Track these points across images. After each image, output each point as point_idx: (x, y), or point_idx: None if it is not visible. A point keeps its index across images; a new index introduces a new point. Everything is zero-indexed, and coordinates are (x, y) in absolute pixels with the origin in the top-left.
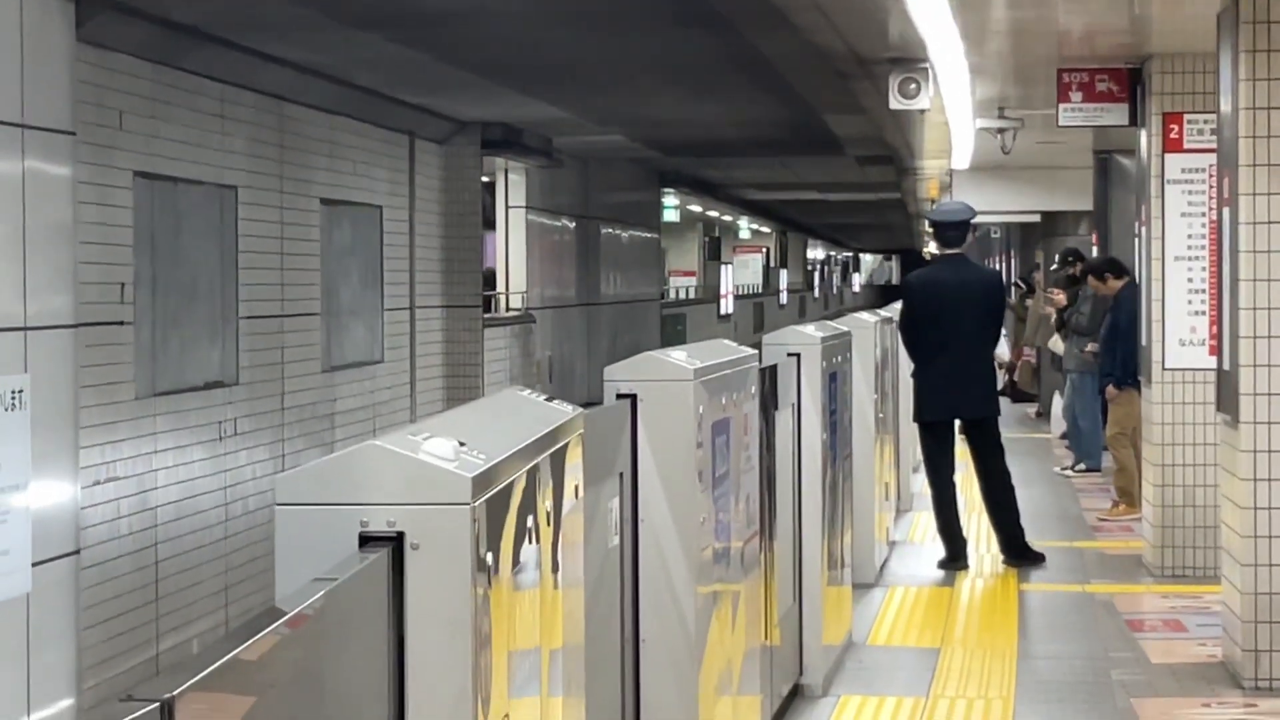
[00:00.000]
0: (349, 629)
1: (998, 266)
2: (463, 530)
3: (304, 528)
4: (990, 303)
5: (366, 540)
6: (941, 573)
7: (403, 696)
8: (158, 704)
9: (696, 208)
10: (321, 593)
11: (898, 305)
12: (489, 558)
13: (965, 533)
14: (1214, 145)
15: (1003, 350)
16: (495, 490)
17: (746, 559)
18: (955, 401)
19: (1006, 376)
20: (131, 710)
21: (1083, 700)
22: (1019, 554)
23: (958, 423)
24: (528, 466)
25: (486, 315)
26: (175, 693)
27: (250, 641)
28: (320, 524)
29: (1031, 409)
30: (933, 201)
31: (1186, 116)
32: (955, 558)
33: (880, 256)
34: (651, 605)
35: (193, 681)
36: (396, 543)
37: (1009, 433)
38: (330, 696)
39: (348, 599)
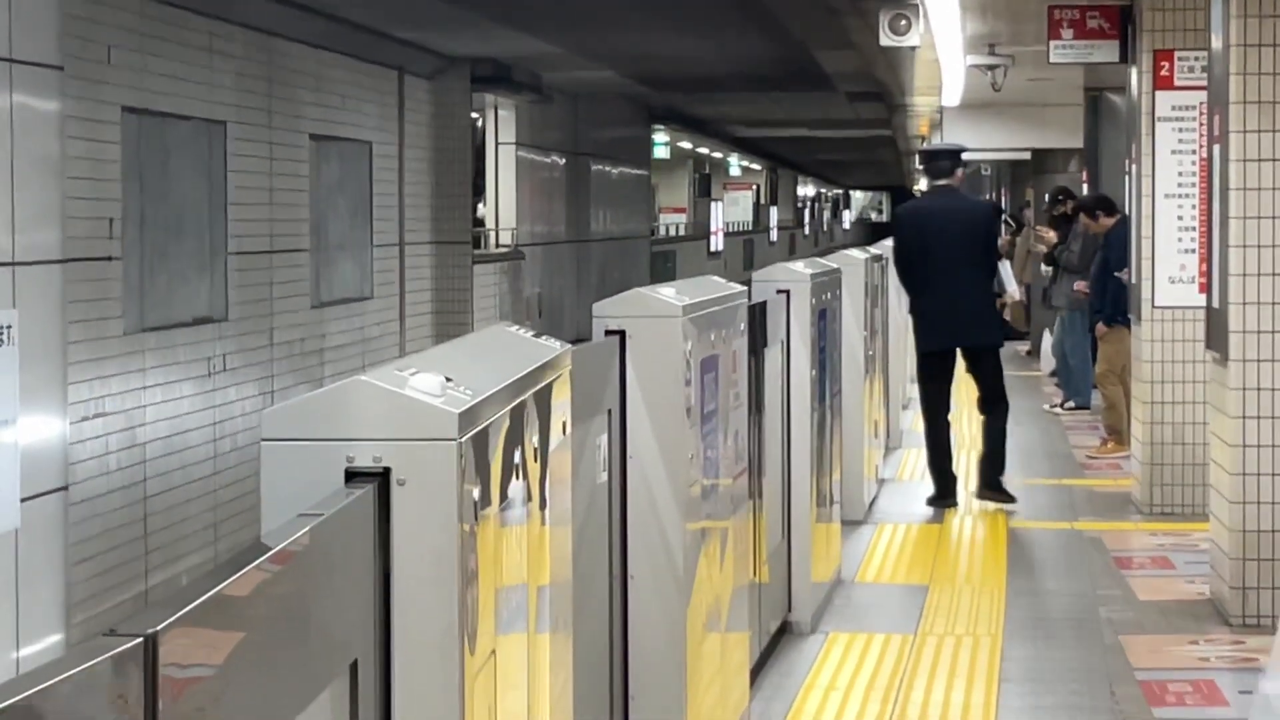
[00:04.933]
0: (334, 565)
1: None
2: (449, 466)
3: (290, 463)
4: (980, 232)
5: (353, 476)
6: (930, 510)
7: (389, 633)
8: (141, 639)
9: (687, 144)
10: (307, 528)
11: (888, 243)
12: (475, 494)
13: (955, 470)
14: (1204, 82)
15: (1013, 290)
16: (482, 426)
17: (735, 496)
18: (949, 331)
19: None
20: (114, 645)
21: (1071, 637)
22: (995, 487)
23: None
24: (515, 403)
25: (476, 251)
26: (159, 627)
27: (235, 577)
28: (306, 459)
29: (1022, 347)
30: (923, 138)
31: (1177, 53)
32: (945, 495)
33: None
34: (640, 542)
35: (177, 616)
36: (383, 478)
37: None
38: (315, 633)
39: (333, 535)
